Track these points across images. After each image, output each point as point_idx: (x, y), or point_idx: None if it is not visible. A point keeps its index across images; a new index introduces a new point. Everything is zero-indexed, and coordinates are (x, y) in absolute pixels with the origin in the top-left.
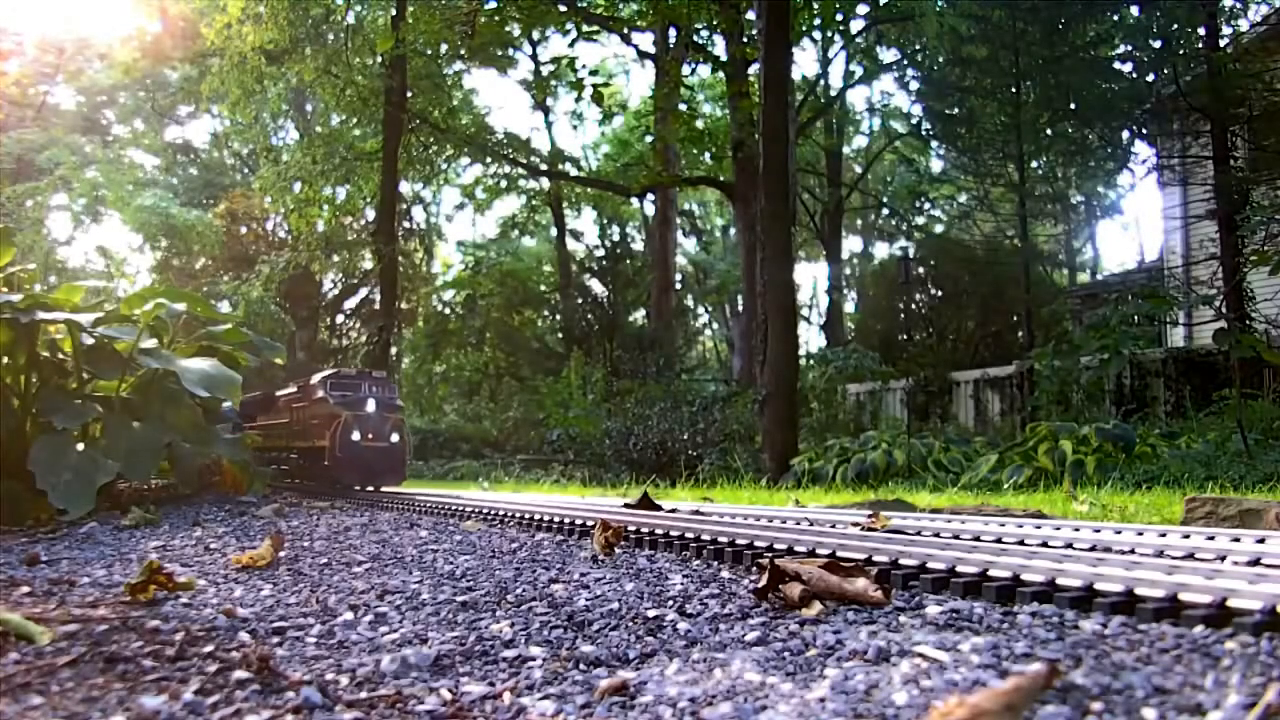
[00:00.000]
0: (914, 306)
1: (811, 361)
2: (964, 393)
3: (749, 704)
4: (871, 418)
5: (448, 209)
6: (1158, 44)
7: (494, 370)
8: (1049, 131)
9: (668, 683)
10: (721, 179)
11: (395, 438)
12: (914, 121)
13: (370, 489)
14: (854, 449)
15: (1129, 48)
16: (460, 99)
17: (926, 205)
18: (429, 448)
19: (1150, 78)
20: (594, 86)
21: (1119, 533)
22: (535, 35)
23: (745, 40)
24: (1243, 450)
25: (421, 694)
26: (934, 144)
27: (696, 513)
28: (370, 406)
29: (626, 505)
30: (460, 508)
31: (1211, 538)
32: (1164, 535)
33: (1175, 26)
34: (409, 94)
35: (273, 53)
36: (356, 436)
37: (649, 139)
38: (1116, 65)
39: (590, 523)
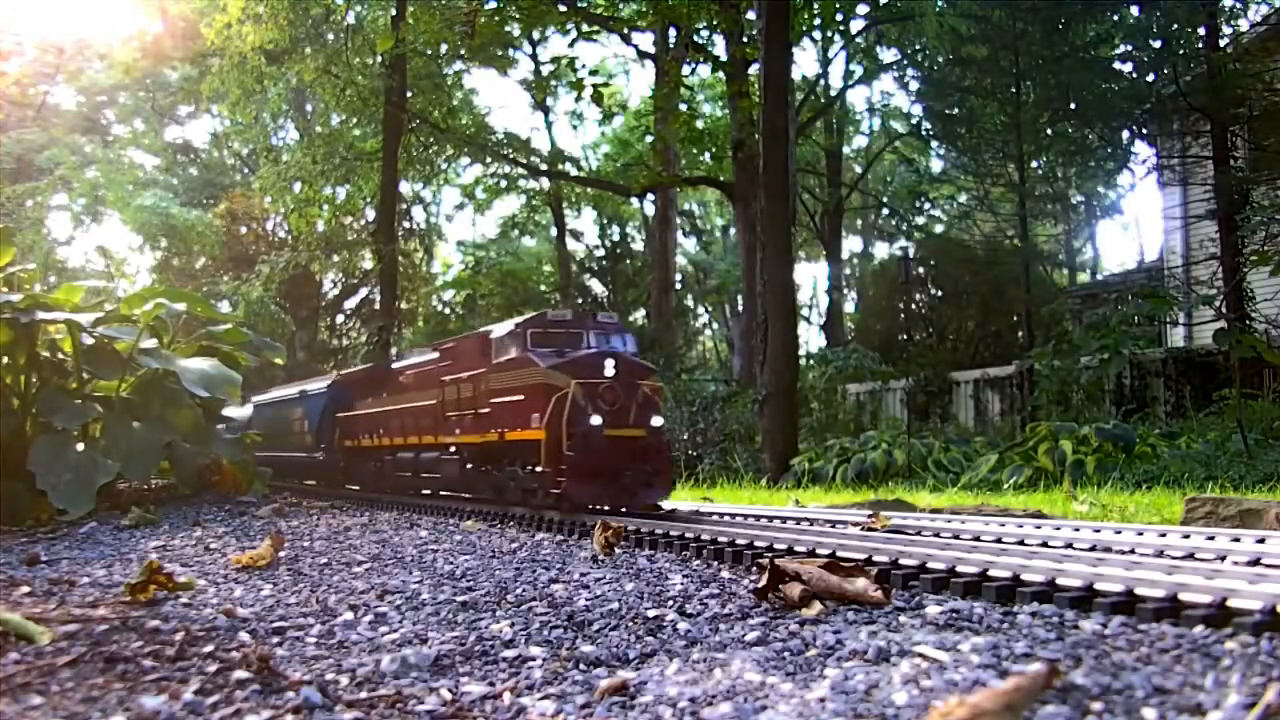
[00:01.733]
0: (914, 306)
1: (811, 361)
2: (964, 393)
3: (749, 704)
4: (871, 418)
5: (448, 209)
6: (1158, 44)
7: None
8: (1049, 131)
9: (668, 683)
10: (721, 179)
11: (656, 421)
12: (914, 121)
13: (620, 510)
14: (854, 449)
15: (1129, 48)
16: (460, 99)
17: (926, 205)
18: None
19: (1150, 78)
20: (594, 86)
21: (1119, 533)
22: (535, 35)
23: (745, 40)
24: (1243, 450)
25: (421, 694)
26: (934, 144)
27: (696, 513)
28: (609, 369)
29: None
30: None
31: (1211, 538)
32: (1164, 535)
33: (1175, 26)
34: (409, 94)
35: (273, 53)
36: (597, 422)
37: (649, 139)
38: (1116, 65)
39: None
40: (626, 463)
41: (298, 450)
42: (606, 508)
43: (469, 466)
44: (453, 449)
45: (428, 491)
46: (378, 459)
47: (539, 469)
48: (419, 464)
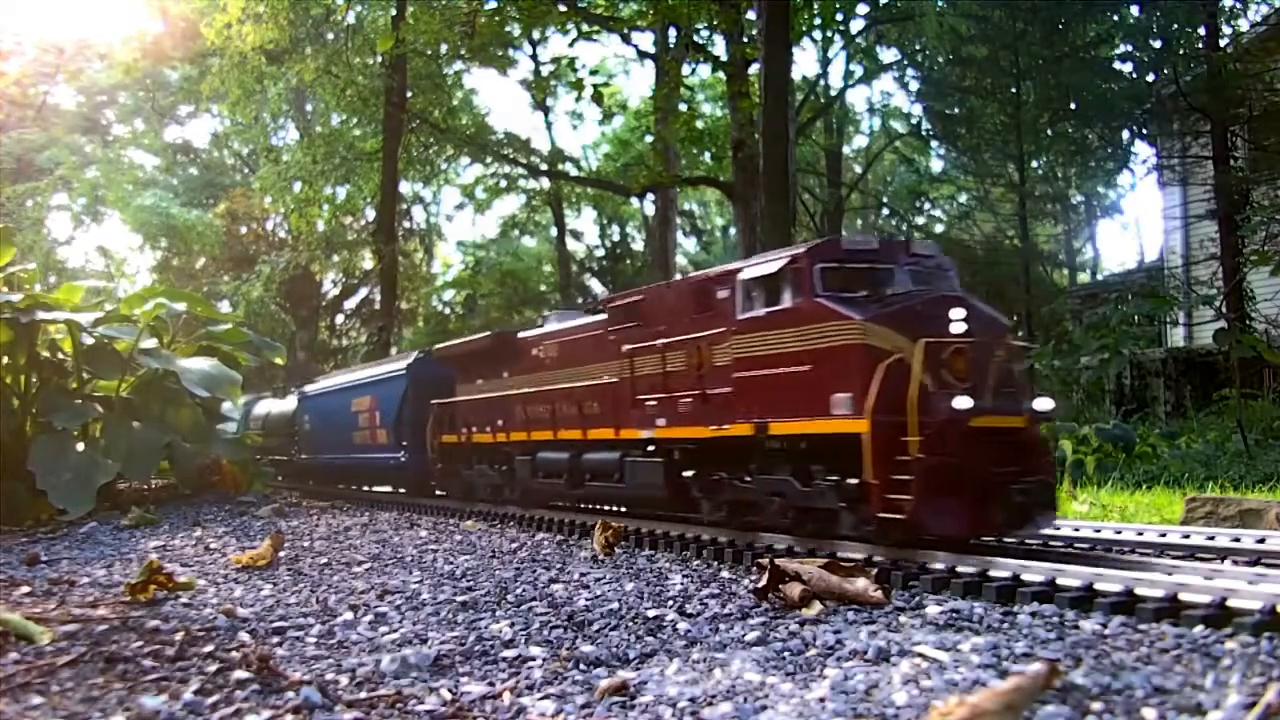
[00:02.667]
0: None
1: None
2: None
3: (749, 704)
4: None
5: (448, 209)
6: (1158, 44)
7: None
8: (1049, 131)
9: (668, 682)
10: (721, 179)
11: (1043, 403)
12: (914, 121)
13: (987, 538)
14: None
15: (1129, 48)
16: (460, 99)
17: (926, 205)
18: None
19: (1150, 78)
20: (594, 86)
21: (1119, 533)
22: (535, 35)
23: (745, 40)
24: (1243, 450)
25: (421, 694)
26: (934, 144)
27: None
28: (958, 321)
29: None
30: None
31: (1212, 538)
32: (1164, 535)
33: (1175, 26)
34: (409, 94)
35: (273, 53)
36: (964, 405)
37: (649, 139)
38: (1116, 65)
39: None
40: (1005, 467)
41: (362, 451)
42: (981, 537)
43: (685, 474)
44: (650, 447)
45: (598, 507)
46: (499, 460)
47: (854, 480)
48: (581, 467)
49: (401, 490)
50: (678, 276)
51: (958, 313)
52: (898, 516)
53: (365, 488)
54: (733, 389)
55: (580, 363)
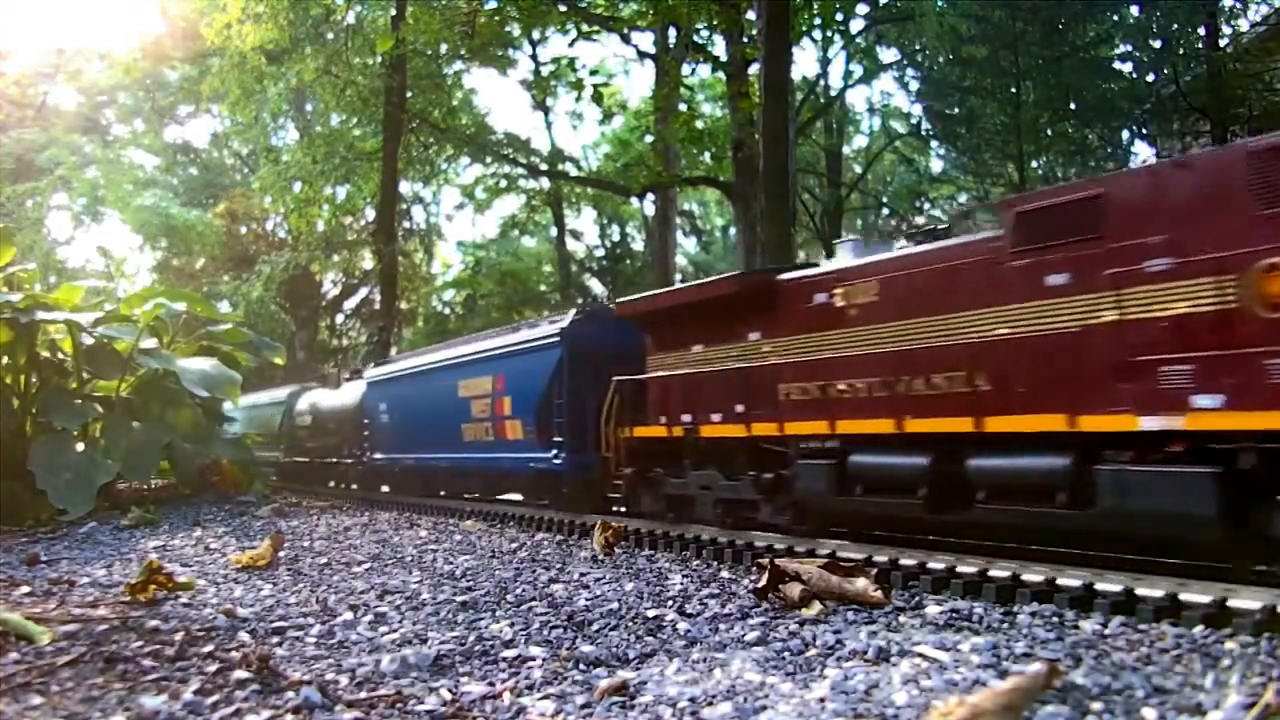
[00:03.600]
0: None
1: None
2: None
3: (749, 704)
4: None
5: (448, 209)
6: (1158, 44)
7: None
8: (1049, 131)
9: (668, 683)
10: (721, 179)
11: None
12: (914, 121)
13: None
14: None
15: (1129, 48)
16: (460, 99)
17: (926, 205)
18: None
19: (1150, 78)
20: (594, 86)
21: None
22: (535, 35)
23: (745, 40)
24: None
25: (421, 694)
26: (934, 144)
27: None
28: None
29: None
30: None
31: None
32: None
33: (1175, 26)
34: (409, 94)
35: (273, 53)
36: None
37: (649, 139)
38: (1116, 65)
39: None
40: None
41: (479, 450)
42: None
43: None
44: (1175, 446)
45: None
46: (752, 463)
47: None
48: (962, 479)
49: (544, 502)
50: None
51: None
52: None
53: (469, 495)
54: None
55: (943, 307)
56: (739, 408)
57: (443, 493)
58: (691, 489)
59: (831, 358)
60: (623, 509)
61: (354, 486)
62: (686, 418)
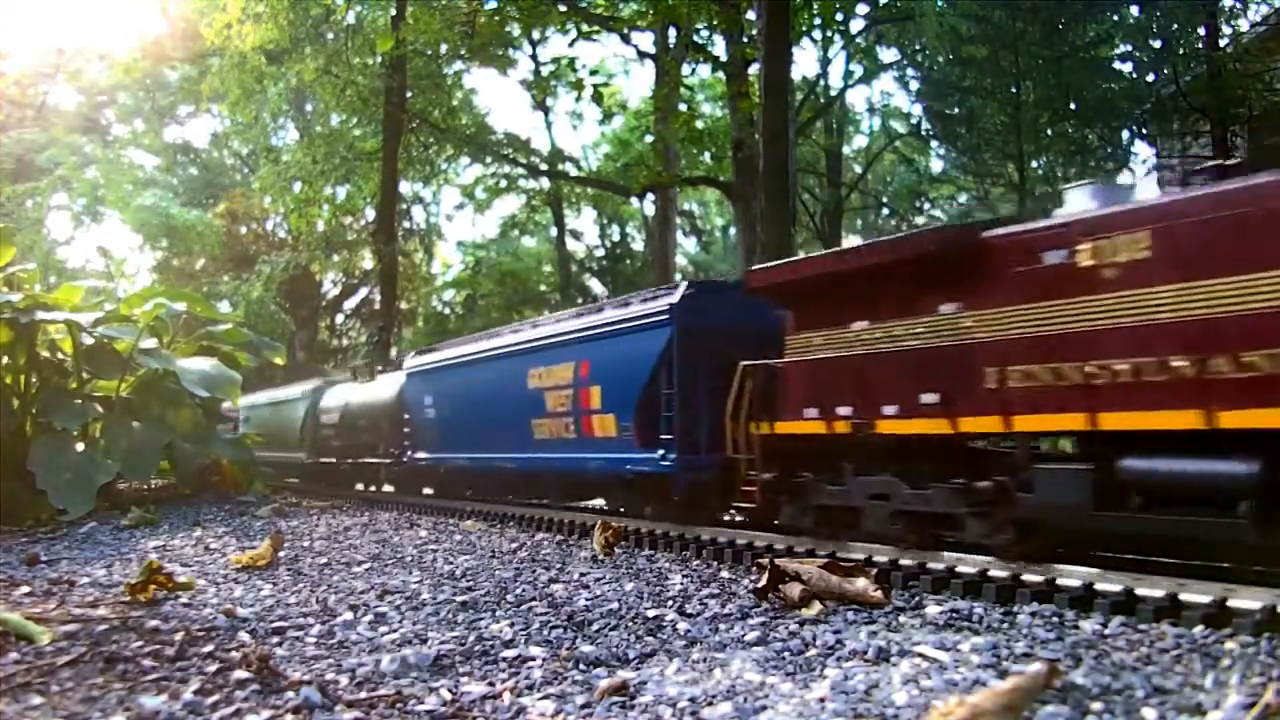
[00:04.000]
0: None
1: None
2: None
3: (749, 704)
4: None
5: (448, 209)
6: (1158, 44)
7: None
8: (1049, 131)
9: (667, 683)
10: (721, 179)
11: None
12: (914, 121)
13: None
14: None
15: (1129, 48)
16: (460, 99)
17: (926, 205)
18: None
19: (1150, 78)
20: (594, 86)
21: None
22: (535, 35)
23: (745, 40)
24: None
25: (421, 694)
26: (934, 144)
27: None
28: None
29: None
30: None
31: None
32: None
33: (1175, 26)
34: (409, 94)
35: (273, 53)
36: None
37: (649, 139)
38: (1116, 65)
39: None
40: None
41: (555, 450)
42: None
43: None
44: None
45: None
46: (955, 467)
47: None
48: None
49: (647, 511)
50: None
51: None
52: None
53: (542, 500)
54: None
55: (1265, 261)
56: (928, 398)
57: (510, 497)
58: (857, 499)
59: (1087, 331)
60: (744, 518)
61: (389, 489)
62: (844, 410)
